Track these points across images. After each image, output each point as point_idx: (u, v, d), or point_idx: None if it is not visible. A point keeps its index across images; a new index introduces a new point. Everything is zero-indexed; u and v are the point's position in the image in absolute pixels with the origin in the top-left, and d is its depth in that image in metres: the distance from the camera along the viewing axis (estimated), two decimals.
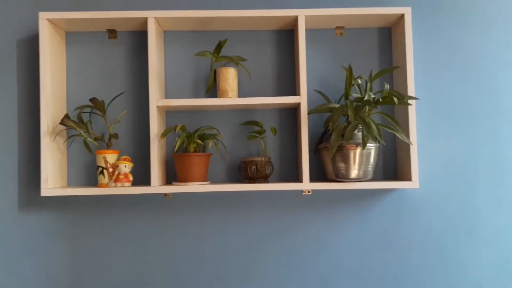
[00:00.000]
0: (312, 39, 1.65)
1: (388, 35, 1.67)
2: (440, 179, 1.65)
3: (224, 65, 1.59)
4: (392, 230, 1.64)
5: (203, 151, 1.58)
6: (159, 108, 1.54)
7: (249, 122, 1.62)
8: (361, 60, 1.66)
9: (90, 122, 1.60)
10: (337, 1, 1.66)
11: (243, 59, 1.59)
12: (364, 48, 1.67)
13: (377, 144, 1.50)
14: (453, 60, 1.67)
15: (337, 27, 1.65)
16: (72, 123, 1.52)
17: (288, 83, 1.66)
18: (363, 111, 1.48)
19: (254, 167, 1.54)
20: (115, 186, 1.50)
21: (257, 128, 1.61)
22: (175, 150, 1.53)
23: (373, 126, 1.41)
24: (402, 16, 1.54)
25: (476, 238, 1.64)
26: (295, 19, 1.55)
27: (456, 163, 1.65)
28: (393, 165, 1.66)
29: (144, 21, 1.54)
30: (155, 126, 1.50)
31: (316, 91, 1.61)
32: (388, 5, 1.64)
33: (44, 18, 1.50)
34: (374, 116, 1.56)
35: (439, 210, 1.65)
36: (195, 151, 1.54)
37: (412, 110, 1.51)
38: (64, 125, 1.52)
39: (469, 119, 1.66)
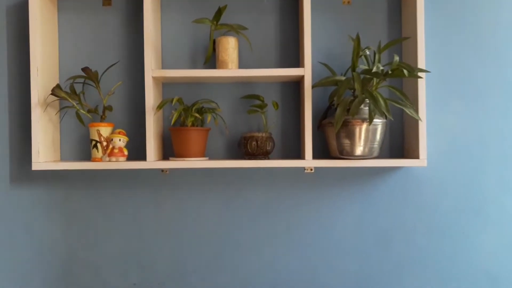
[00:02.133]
0: (318, 8, 1.57)
1: (398, 4, 1.58)
2: (448, 157, 1.58)
3: (224, 34, 1.51)
4: (397, 209, 1.59)
5: (201, 126, 1.51)
6: (155, 79, 1.46)
7: (249, 96, 1.55)
8: (369, 31, 1.57)
9: (83, 93, 1.53)
10: None
11: (244, 28, 1.51)
12: (373, 18, 1.58)
13: (385, 120, 1.43)
14: (465, 32, 1.58)
15: None
16: (64, 94, 1.46)
17: (291, 54, 1.58)
18: (371, 85, 1.40)
19: (254, 143, 1.48)
20: (109, 161, 1.44)
21: (258, 102, 1.54)
22: (172, 123, 1.46)
23: (381, 101, 1.33)
24: None
25: (483, 219, 1.59)
26: None
27: (465, 141, 1.58)
28: (400, 142, 1.59)
29: None
30: (151, 98, 1.43)
31: (321, 63, 1.54)
32: None
33: None
34: (381, 90, 1.49)
35: (446, 190, 1.59)
36: (193, 125, 1.48)
37: (422, 84, 1.43)
38: (55, 95, 1.45)
39: (480, 95, 1.58)
